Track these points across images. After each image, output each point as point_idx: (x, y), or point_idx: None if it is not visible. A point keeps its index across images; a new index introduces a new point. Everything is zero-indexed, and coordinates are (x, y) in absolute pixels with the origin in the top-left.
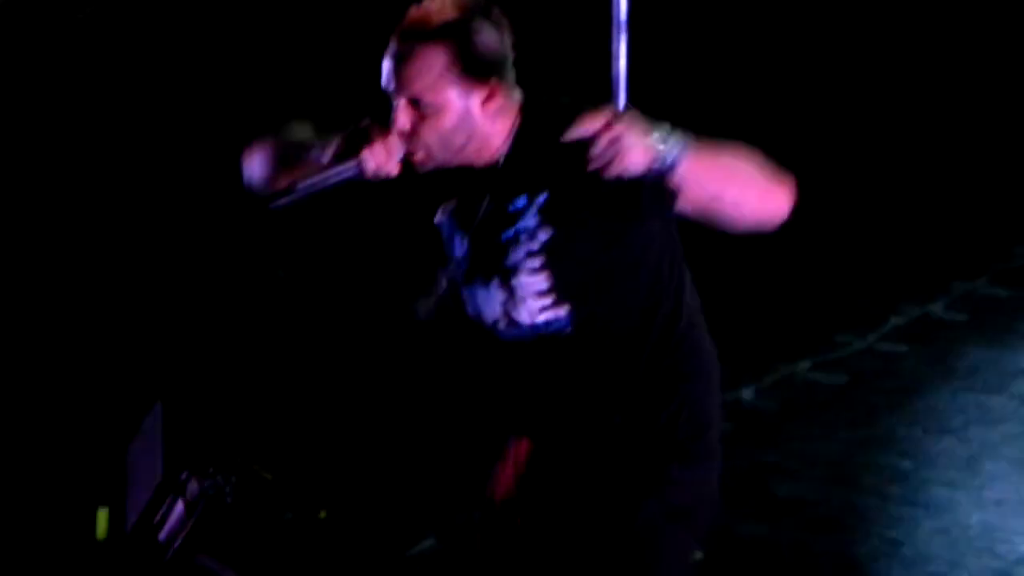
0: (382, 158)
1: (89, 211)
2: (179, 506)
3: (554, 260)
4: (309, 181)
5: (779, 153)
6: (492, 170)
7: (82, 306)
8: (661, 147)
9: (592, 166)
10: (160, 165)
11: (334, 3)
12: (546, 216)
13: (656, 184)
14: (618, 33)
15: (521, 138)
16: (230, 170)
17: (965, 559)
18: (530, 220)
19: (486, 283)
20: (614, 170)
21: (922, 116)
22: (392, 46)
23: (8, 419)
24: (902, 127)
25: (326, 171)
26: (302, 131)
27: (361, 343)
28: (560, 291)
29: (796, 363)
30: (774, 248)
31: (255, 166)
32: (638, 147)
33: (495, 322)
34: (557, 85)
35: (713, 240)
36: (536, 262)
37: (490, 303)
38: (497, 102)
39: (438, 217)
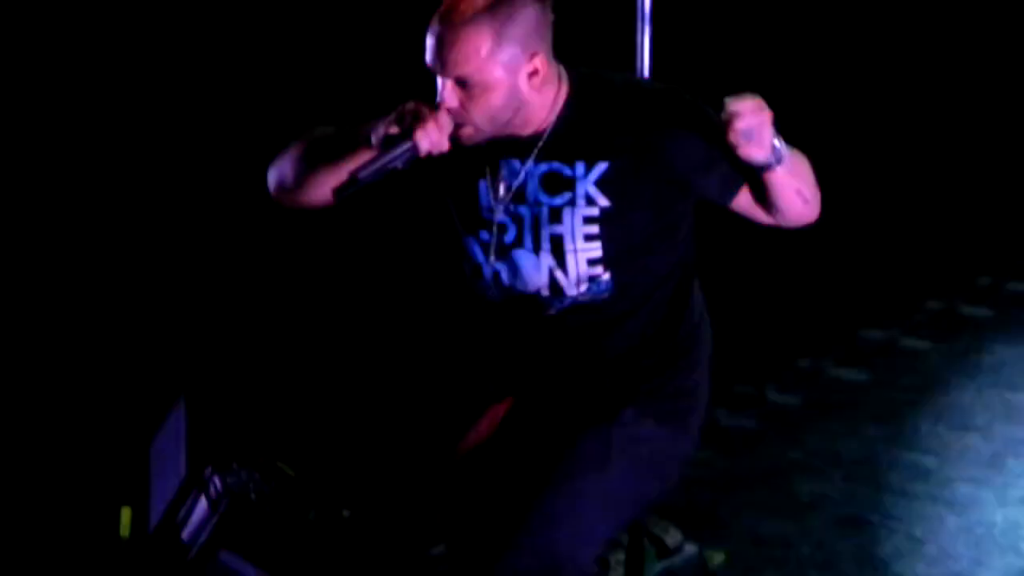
0: (435, 136)
1: (111, 205)
2: (202, 503)
3: (610, 229)
4: (369, 169)
5: (803, 148)
6: (539, 137)
7: (104, 301)
8: (778, 144)
9: (726, 137)
10: (185, 161)
11: (334, 4)
12: (606, 186)
13: (729, 173)
14: (642, 26)
15: (574, 106)
16: (252, 171)
17: (989, 557)
18: (589, 186)
19: (535, 248)
20: (740, 152)
21: (948, 112)
22: (435, 27)
23: (31, 415)
24: (927, 124)
25: (381, 156)
26: (324, 130)
27: (386, 337)
28: (609, 259)
29: (820, 359)
30: (798, 243)
31: (286, 169)
32: (767, 139)
33: (537, 290)
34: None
35: (737, 235)
36: (593, 229)
37: (537, 270)
38: (542, 74)
39: (472, 188)
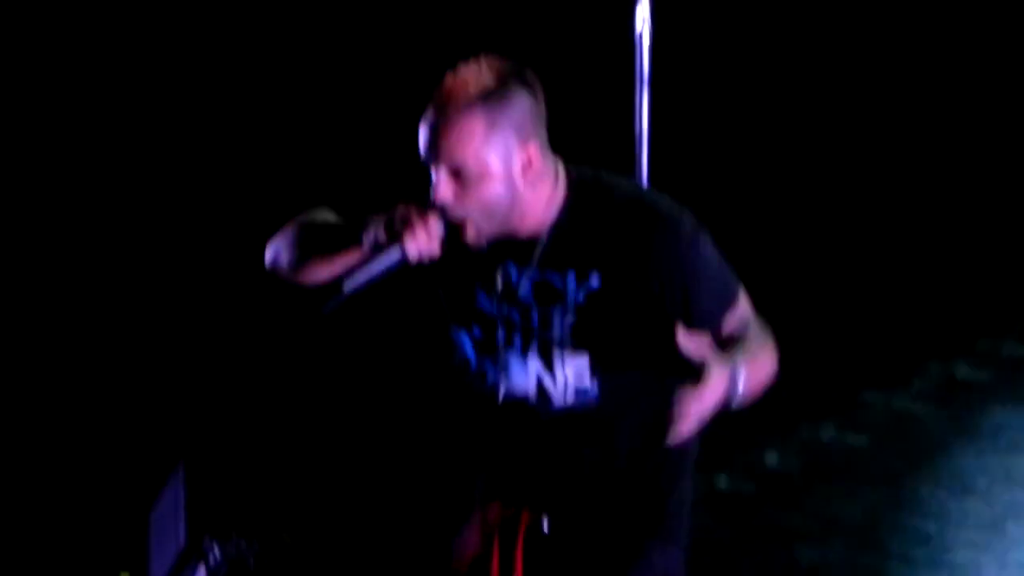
0: (424, 242)
1: (109, 267)
2: (201, 571)
3: (600, 340)
4: (354, 278)
5: (802, 210)
6: (534, 242)
7: (104, 369)
8: (735, 392)
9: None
10: (186, 218)
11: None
12: (597, 299)
13: (708, 314)
14: (641, 88)
15: (571, 210)
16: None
17: None
18: (580, 297)
19: (523, 353)
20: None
21: (947, 176)
22: (429, 115)
23: (31, 482)
24: (926, 187)
25: (368, 263)
26: (324, 216)
27: (379, 407)
28: (599, 369)
29: (819, 424)
30: (795, 307)
31: (281, 250)
32: (707, 414)
33: (525, 395)
34: (580, 141)
35: None
36: (582, 339)
37: (525, 374)
38: (536, 166)
39: (467, 284)
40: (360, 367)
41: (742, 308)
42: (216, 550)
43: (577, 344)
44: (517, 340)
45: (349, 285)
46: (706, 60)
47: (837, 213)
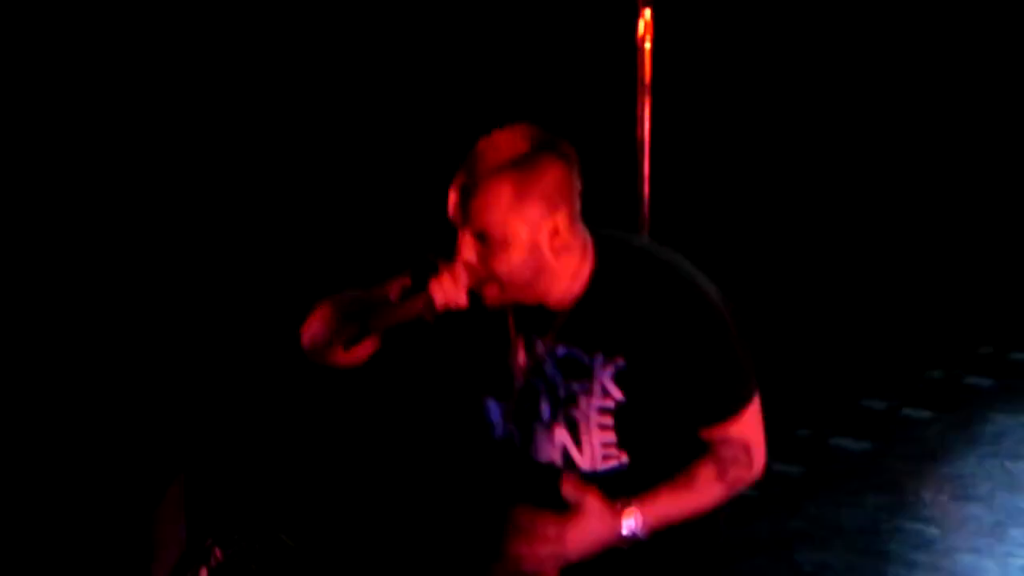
0: (450, 289)
1: (112, 276)
2: (203, 574)
3: (625, 420)
4: (379, 319)
5: (804, 217)
6: (562, 314)
7: (105, 373)
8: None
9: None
10: (192, 229)
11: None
12: (622, 381)
13: (719, 397)
14: (642, 96)
15: (597, 284)
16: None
17: None
18: (606, 379)
19: (548, 426)
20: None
21: (949, 182)
22: (459, 178)
23: (31, 489)
24: (929, 193)
25: (395, 308)
26: (353, 294)
27: (386, 416)
28: (625, 444)
29: (821, 428)
30: (798, 313)
31: (315, 325)
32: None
33: (550, 462)
34: (582, 148)
35: (739, 305)
36: (607, 420)
37: (550, 443)
38: (564, 237)
39: (494, 352)
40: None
41: (745, 422)
42: (218, 553)
43: (603, 423)
44: (545, 410)
45: (374, 325)
46: (708, 67)
47: (840, 219)
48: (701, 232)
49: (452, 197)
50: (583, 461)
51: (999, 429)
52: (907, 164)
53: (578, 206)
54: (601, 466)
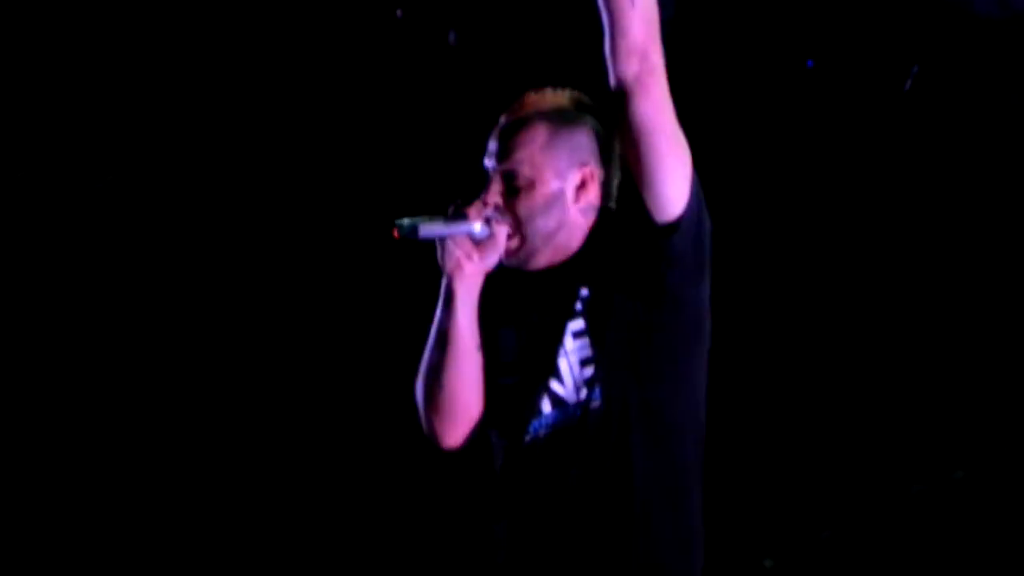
0: (478, 208)
1: (110, 269)
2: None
3: (594, 321)
4: (429, 228)
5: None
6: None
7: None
8: None
9: None
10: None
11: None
12: (585, 308)
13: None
14: None
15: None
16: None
17: None
18: (578, 307)
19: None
20: None
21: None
22: (501, 120)
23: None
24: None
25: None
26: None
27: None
28: (599, 359)
29: (817, 532)
30: (784, 437)
31: (424, 399)
32: None
33: (539, 407)
34: None
35: (738, 407)
36: (579, 324)
37: (540, 394)
38: (591, 194)
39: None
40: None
41: None
42: None
43: (578, 330)
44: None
45: (424, 229)
46: (705, 73)
47: (824, 341)
48: None
49: (491, 139)
50: (566, 390)
51: None
52: (895, 280)
53: (612, 177)
54: (583, 386)
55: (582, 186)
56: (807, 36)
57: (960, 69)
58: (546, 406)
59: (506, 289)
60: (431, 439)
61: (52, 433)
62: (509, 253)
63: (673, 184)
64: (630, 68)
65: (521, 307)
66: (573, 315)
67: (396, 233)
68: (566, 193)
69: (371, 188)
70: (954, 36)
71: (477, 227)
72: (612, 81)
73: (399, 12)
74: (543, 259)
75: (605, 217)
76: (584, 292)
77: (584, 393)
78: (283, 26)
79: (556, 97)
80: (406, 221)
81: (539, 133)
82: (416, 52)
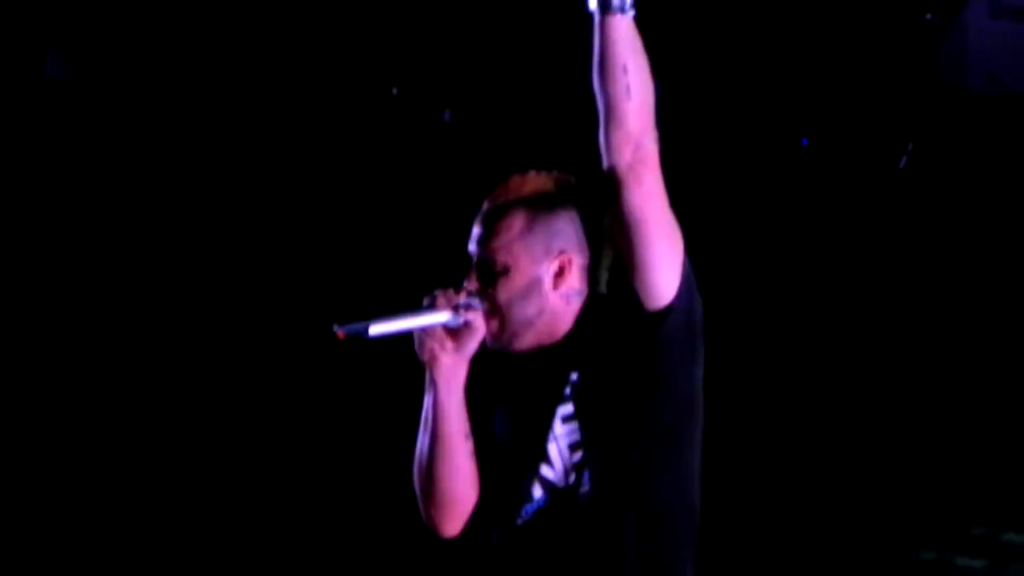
0: (451, 297)
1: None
2: None
3: (583, 406)
4: (385, 323)
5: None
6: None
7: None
8: None
9: None
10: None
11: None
12: (574, 393)
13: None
14: None
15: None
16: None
17: None
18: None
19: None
20: None
21: (942, 361)
22: (483, 205)
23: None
24: (922, 374)
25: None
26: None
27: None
28: (588, 443)
29: None
30: (788, 494)
31: (420, 489)
32: None
33: (529, 492)
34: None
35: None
36: (568, 408)
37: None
38: (569, 280)
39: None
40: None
41: None
42: None
43: (567, 415)
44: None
45: (376, 327)
46: (701, 152)
47: (833, 393)
48: None
49: (474, 225)
50: (555, 473)
51: None
52: (897, 342)
53: (600, 260)
54: (571, 470)
55: (560, 273)
56: (803, 114)
57: (954, 145)
58: (537, 491)
59: (499, 368)
60: (429, 528)
61: (52, 433)
62: (492, 336)
63: (663, 272)
64: (624, 156)
65: (513, 388)
66: (562, 399)
67: (341, 335)
68: (543, 280)
69: (365, 268)
70: (948, 113)
71: (445, 316)
72: (605, 166)
73: (394, 90)
74: (526, 343)
75: (595, 301)
76: (574, 376)
77: (573, 478)
78: (281, 99)
79: (539, 181)
80: (352, 325)
81: (517, 220)
82: (411, 129)
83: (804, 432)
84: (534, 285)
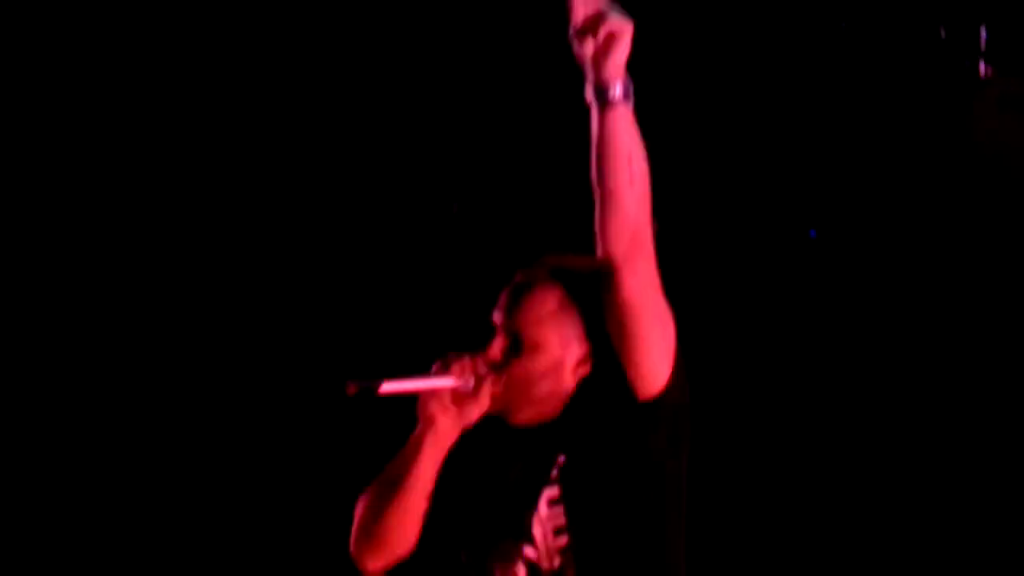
0: (468, 366)
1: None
2: None
3: (569, 490)
4: (395, 383)
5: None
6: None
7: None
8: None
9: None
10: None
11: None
12: (561, 476)
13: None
14: None
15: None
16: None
17: None
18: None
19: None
20: (603, 57)
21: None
22: (517, 276)
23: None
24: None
25: (412, 379)
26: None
27: None
28: (574, 529)
29: None
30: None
31: (365, 520)
32: (623, 56)
33: (514, 572)
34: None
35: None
36: (554, 491)
37: (515, 560)
38: (586, 368)
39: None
40: None
41: None
42: None
43: (552, 497)
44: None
45: (388, 385)
46: (702, 83)
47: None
48: None
49: (502, 296)
50: (540, 554)
51: None
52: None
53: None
54: (555, 552)
55: (584, 360)
56: (809, 207)
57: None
58: (521, 571)
59: (489, 440)
60: (353, 558)
61: (52, 433)
62: (495, 404)
63: (655, 359)
64: (621, 244)
65: (500, 464)
66: (549, 482)
67: (352, 390)
68: (566, 363)
69: (376, 355)
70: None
71: (456, 382)
72: (599, 253)
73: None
74: (524, 419)
75: (585, 384)
76: (561, 459)
77: (557, 562)
78: (287, 182)
79: (579, 262)
80: (364, 381)
81: (553, 297)
82: (419, 222)
83: (803, 440)
84: (557, 367)
